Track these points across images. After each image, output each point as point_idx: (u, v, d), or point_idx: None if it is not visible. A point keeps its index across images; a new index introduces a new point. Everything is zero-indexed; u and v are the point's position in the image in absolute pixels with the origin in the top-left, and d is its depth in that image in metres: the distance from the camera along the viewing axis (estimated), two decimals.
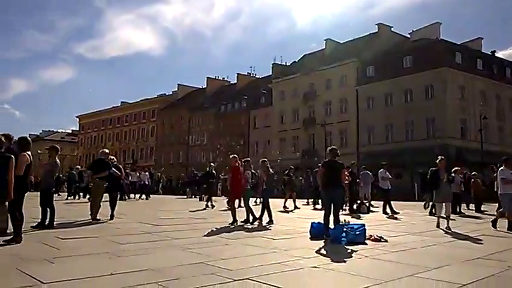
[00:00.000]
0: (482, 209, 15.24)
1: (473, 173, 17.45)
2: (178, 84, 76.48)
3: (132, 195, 24.48)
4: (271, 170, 11.78)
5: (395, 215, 13.23)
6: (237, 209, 10.70)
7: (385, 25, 49.46)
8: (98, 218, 10.25)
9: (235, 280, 4.39)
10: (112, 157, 12.14)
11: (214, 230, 8.98)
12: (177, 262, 5.29)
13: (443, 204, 9.80)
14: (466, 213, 14.22)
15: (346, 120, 45.14)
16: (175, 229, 9.02)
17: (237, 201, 11.41)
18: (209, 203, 16.14)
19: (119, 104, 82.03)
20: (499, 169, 9.53)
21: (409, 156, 36.67)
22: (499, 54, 54.58)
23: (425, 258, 5.91)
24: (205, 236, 8.01)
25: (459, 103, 38.91)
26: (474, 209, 15.60)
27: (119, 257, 5.65)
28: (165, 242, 7.18)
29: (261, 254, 6.03)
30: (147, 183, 25.04)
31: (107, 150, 11.46)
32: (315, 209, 16.18)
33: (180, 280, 4.34)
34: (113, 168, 11.22)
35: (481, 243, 7.38)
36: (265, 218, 10.61)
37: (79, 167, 31.79)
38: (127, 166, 26.20)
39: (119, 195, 20.66)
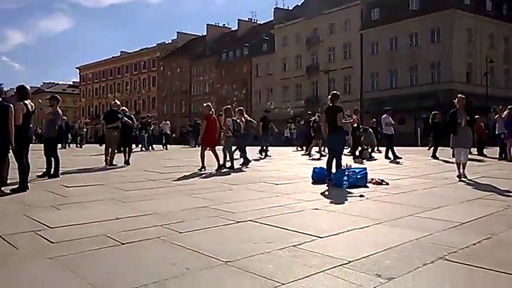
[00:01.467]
0: (484, 152, 15.29)
1: (476, 116, 17.30)
2: (177, 32, 74.76)
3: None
4: (248, 117, 11.82)
5: (397, 160, 13.32)
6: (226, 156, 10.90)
7: None
8: (114, 163, 11.12)
9: (238, 222, 4.48)
10: (124, 108, 13.01)
11: (217, 176, 9.10)
12: (181, 207, 5.39)
13: (462, 150, 8.47)
14: (470, 157, 14.28)
15: (349, 66, 44.42)
16: (179, 177, 9.13)
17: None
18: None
19: (119, 54, 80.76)
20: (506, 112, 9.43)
21: (413, 102, 36.41)
22: None
23: (426, 199, 5.99)
24: (208, 182, 8.13)
25: (466, 47, 38.01)
26: (477, 152, 15.65)
27: (124, 202, 5.75)
28: (169, 188, 7.30)
29: (264, 198, 6.13)
30: (168, 132, 25.45)
31: (118, 102, 12.36)
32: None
33: (184, 222, 4.43)
34: (125, 118, 11.93)
35: (482, 185, 7.45)
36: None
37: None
38: (147, 117, 25.85)
39: (140, 147, 20.88)
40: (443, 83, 36.88)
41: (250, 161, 11.64)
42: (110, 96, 68.05)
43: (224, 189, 7.11)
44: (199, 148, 11.29)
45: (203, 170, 10.11)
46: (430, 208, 5.23)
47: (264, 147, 16.04)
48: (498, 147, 13.98)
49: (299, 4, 56.26)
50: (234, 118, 11.20)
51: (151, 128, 24.87)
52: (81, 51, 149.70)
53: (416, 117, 36.40)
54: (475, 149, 15.94)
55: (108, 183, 7.88)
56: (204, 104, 10.96)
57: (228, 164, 10.73)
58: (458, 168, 8.47)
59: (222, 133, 11.11)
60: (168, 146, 24.30)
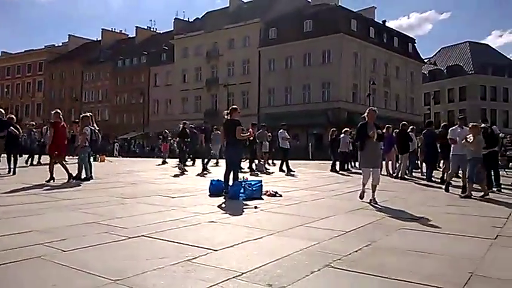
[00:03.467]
0: None
1: None
2: (69, 35, 70.36)
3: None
4: (93, 127, 10.72)
5: (291, 173, 13.95)
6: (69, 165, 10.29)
7: None
8: None
9: (129, 238, 4.28)
10: (12, 116, 12.82)
11: (110, 189, 8.64)
12: (67, 223, 5.00)
13: (372, 171, 7.23)
14: (353, 170, 15.53)
15: (248, 81, 45.68)
16: (64, 189, 8.47)
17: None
18: (181, 165, 15.16)
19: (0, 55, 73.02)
20: (450, 129, 9.24)
21: (306, 118, 38.61)
22: (389, 24, 59.09)
23: (315, 210, 6.36)
24: (99, 195, 7.66)
25: (352, 69, 41.56)
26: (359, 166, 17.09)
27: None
28: (53, 203, 6.72)
29: (158, 212, 5.96)
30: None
31: (2, 111, 11.77)
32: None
33: (70, 240, 4.10)
34: (11, 127, 11.60)
35: (366, 197, 8.11)
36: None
37: None
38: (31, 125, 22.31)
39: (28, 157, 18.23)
40: (333, 102, 39.82)
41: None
42: None
43: (116, 204, 6.76)
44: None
45: (52, 181, 9.45)
46: (318, 218, 5.56)
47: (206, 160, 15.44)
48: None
49: (199, 17, 56.64)
50: (93, 127, 10.61)
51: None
52: None
53: (308, 132, 38.66)
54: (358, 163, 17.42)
55: None
56: (53, 111, 10.25)
57: (84, 175, 10.17)
58: (363, 191, 7.33)
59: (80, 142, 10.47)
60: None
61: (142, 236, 4.37)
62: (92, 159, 11.80)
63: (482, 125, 9.22)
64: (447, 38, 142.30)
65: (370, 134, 7.09)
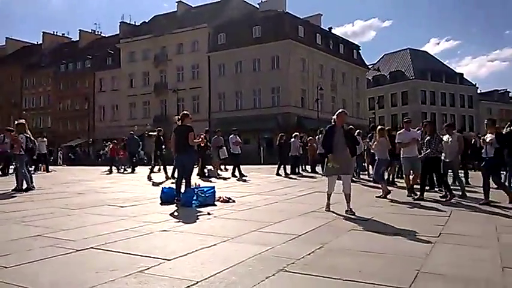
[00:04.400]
0: (316, 170, 17.12)
1: (310, 137, 19.35)
2: (6, 38, 66.60)
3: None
4: (28, 134, 10.23)
5: (243, 178, 13.98)
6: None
7: None
8: None
9: (77, 250, 4.10)
10: None
11: (56, 200, 8.25)
12: (10, 236, 4.71)
13: (343, 178, 6.66)
14: (304, 174, 15.84)
15: (198, 86, 45.34)
16: (6, 200, 7.98)
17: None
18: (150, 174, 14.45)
19: None
20: (398, 133, 9.36)
21: (257, 123, 38.89)
22: (335, 31, 61.01)
23: (268, 214, 6.41)
24: (44, 207, 7.28)
25: (300, 74, 42.42)
26: (310, 169, 17.45)
27: None
28: None
29: (107, 222, 5.75)
30: (45, 151, 19.37)
31: None
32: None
33: (13, 255, 3.87)
34: None
35: (315, 199, 8.30)
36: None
37: None
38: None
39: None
40: (282, 107, 40.43)
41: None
42: None
43: (62, 215, 6.45)
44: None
45: None
46: (272, 222, 5.61)
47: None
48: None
49: (146, 21, 55.59)
50: (28, 135, 10.14)
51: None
52: None
53: (259, 137, 38.96)
54: (309, 166, 17.79)
55: None
56: None
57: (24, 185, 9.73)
58: (329, 199, 6.74)
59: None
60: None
61: (91, 248, 4.20)
62: (32, 168, 11.15)
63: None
64: (389, 45, 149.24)
65: (336, 138, 6.52)
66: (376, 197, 8.48)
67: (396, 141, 9.18)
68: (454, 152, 8.92)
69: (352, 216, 6.15)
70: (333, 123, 6.77)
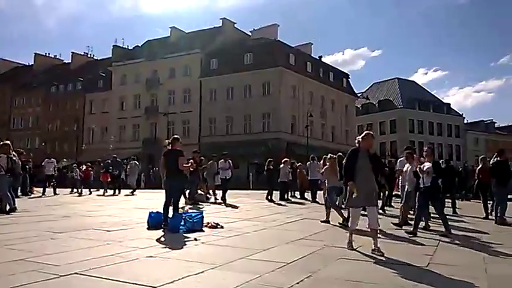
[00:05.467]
0: (305, 196, 17.08)
1: (299, 164, 19.40)
2: None
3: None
4: (11, 155, 10.07)
5: (225, 203, 13.74)
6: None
7: (229, 20, 51.30)
8: None
9: (61, 276, 4.01)
10: None
11: (40, 222, 8.09)
12: None
13: (368, 210, 5.77)
14: (293, 200, 15.79)
15: (189, 110, 45.47)
16: None
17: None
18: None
19: None
20: (399, 160, 9.44)
21: (247, 148, 38.93)
22: (325, 59, 62.15)
23: (257, 241, 6.35)
24: (27, 230, 7.13)
25: (291, 101, 42.86)
26: (299, 196, 17.41)
27: None
28: None
29: (93, 247, 5.65)
30: (52, 173, 18.83)
31: None
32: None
33: None
34: None
35: (304, 226, 8.27)
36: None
37: None
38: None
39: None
40: (273, 132, 40.64)
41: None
42: None
43: (45, 239, 6.32)
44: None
45: None
46: (260, 250, 5.56)
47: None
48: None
49: (139, 45, 56.08)
50: (11, 155, 10.02)
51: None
52: None
53: (249, 162, 38.92)
54: (298, 192, 17.75)
55: None
56: None
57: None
58: (350, 240, 5.77)
59: None
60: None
61: (76, 273, 4.11)
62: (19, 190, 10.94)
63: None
64: (378, 74, 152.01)
65: (360, 162, 5.67)
66: (321, 221, 8.66)
67: (397, 169, 9.52)
68: (413, 182, 8.18)
69: (341, 246, 6.08)
70: (356, 144, 5.93)
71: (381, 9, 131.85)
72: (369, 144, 5.83)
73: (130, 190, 19.34)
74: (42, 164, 18.94)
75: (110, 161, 20.17)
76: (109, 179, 19.67)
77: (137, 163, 20.65)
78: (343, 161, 6.20)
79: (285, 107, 41.87)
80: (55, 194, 18.27)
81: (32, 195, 17.05)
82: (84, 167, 21.76)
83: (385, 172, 7.85)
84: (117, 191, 18.85)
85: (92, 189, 20.46)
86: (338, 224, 8.26)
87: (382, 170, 6.42)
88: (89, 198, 17.18)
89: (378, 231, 5.44)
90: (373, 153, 5.91)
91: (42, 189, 17.76)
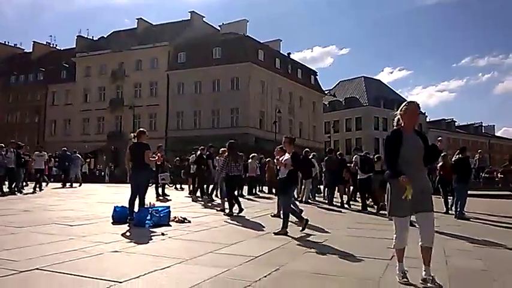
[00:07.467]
0: (273, 191, 17.18)
1: (268, 159, 19.47)
2: None
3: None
4: None
5: (166, 198, 13.49)
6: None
7: (197, 14, 50.72)
8: None
9: (21, 272, 3.86)
10: None
11: (0, 217, 7.76)
12: None
13: (418, 218, 3.93)
14: (261, 195, 15.85)
15: (156, 104, 44.77)
16: None
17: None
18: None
19: None
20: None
21: (215, 143, 38.31)
22: (294, 56, 62.58)
23: (225, 235, 6.34)
24: None
25: (260, 97, 42.94)
26: (267, 191, 17.50)
27: None
28: None
29: (55, 242, 5.47)
30: (42, 167, 16.97)
31: None
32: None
33: None
34: None
35: (272, 221, 8.31)
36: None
37: None
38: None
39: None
40: (241, 127, 40.60)
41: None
42: None
43: (5, 234, 6.07)
44: None
45: None
46: (228, 244, 5.55)
47: None
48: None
49: (105, 36, 54.62)
50: None
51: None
52: None
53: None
54: (267, 187, 17.83)
55: None
56: None
57: None
58: (401, 258, 4.00)
59: None
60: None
61: (37, 269, 3.97)
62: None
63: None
64: (346, 72, 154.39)
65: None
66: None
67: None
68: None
69: (308, 239, 6.16)
70: (396, 125, 3.99)
71: (349, 9, 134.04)
72: (415, 120, 3.96)
73: (69, 184, 18.79)
74: (32, 157, 17.23)
75: (59, 154, 19.65)
76: (46, 173, 18.35)
77: (79, 156, 20.36)
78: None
79: (254, 102, 41.91)
80: (40, 190, 16.12)
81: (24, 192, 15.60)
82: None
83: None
84: (37, 187, 16.09)
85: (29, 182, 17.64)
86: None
87: (437, 155, 4.16)
88: (51, 191, 16.59)
89: (432, 248, 3.81)
90: (424, 133, 4.10)
91: (34, 184, 16.03)
